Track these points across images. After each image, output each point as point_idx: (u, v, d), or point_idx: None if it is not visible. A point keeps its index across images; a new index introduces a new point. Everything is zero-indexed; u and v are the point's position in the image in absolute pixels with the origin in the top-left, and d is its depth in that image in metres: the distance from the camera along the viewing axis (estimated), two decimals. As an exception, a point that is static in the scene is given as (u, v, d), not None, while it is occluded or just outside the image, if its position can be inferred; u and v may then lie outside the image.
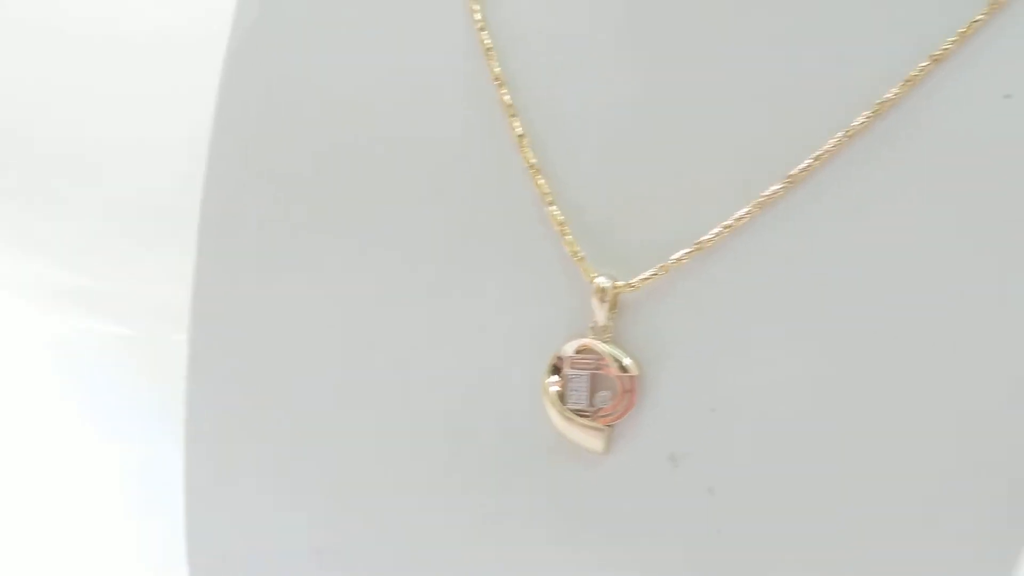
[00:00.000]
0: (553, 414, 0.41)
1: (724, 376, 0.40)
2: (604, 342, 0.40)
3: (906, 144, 0.38)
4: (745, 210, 0.39)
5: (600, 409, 0.41)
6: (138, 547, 0.65)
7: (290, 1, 0.46)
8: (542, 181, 0.41)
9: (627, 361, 0.40)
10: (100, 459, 0.74)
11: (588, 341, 0.41)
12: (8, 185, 0.91)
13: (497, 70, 0.43)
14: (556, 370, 0.41)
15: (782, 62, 0.40)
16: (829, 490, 0.39)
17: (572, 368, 0.41)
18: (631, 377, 0.40)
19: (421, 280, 0.43)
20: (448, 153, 0.43)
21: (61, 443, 0.75)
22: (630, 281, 0.40)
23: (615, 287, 0.40)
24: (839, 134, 0.39)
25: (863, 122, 0.39)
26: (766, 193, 0.39)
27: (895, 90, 0.38)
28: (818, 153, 0.39)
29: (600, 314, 0.40)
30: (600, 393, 0.41)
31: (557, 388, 0.41)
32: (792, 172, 0.39)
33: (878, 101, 0.39)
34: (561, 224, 0.41)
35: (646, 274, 0.40)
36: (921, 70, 0.38)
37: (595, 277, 0.40)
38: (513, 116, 0.42)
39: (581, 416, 0.41)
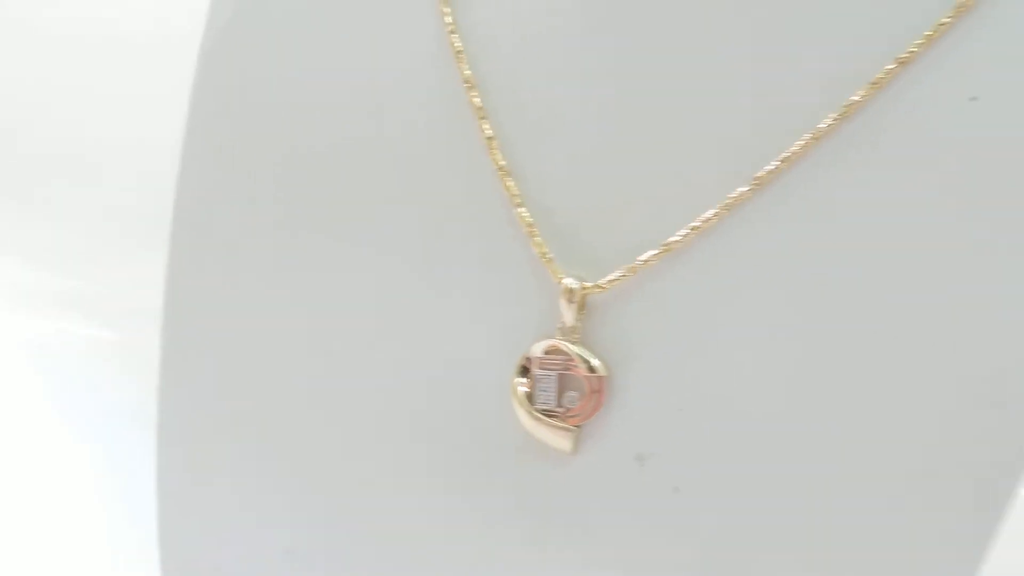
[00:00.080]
0: (521, 414, 0.41)
1: (691, 377, 0.40)
2: (572, 343, 0.41)
3: (872, 146, 0.39)
4: (713, 212, 0.40)
5: (568, 409, 0.41)
6: (112, 548, 0.65)
7: (263, 3, 0.46)
8: (511, 183, 0.42)
9: (595, 362, 0.40)
10: (81, 462, 0.74)
11: (556, 342, 0.41)
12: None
13: (467, 73, 0.43)
14: (524, 371, 0.41)
15: (748, 66, 0.40)
16: (794, 490, 0.39)
17: (540, 369, 0.41)
18: (599, 378, 0.40)
19: (391, 281, 0.43)
20: (418, 155, 0.43)
21: (41, 445, 0.75)
22: (598, 282, 0.40)
23: (583, 288, 0.40)
24: (806, 136, 0.39)
25: (830, 124, 0.39)
26: (733, 195, 0.39)
27: (861, 93, 0.39)
28: (785, 155, 0.39)
29: (568, 315, 0.41)
30: (568, 393, 0.41)
31: (525, 389, 0.41)
32: (759, 174, 0.39)
33: (844, 104, 0.39)
34: (530, 226, 0.41)
35: (614, 275, 0.40)
36: (887, 73, 0.39)
37: (563, 278, 0.41)
38: (483, 119, 0.42)
39: (549, 416, 0.41)
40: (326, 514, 0.45)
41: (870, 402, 0.38)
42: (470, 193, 0.42)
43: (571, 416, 0.41)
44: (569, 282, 0.40)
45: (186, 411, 0.47)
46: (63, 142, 0.91)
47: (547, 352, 0.41)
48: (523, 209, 0.41)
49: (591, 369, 0.40)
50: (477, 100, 0.43)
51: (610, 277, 0.40)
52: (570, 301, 0.40)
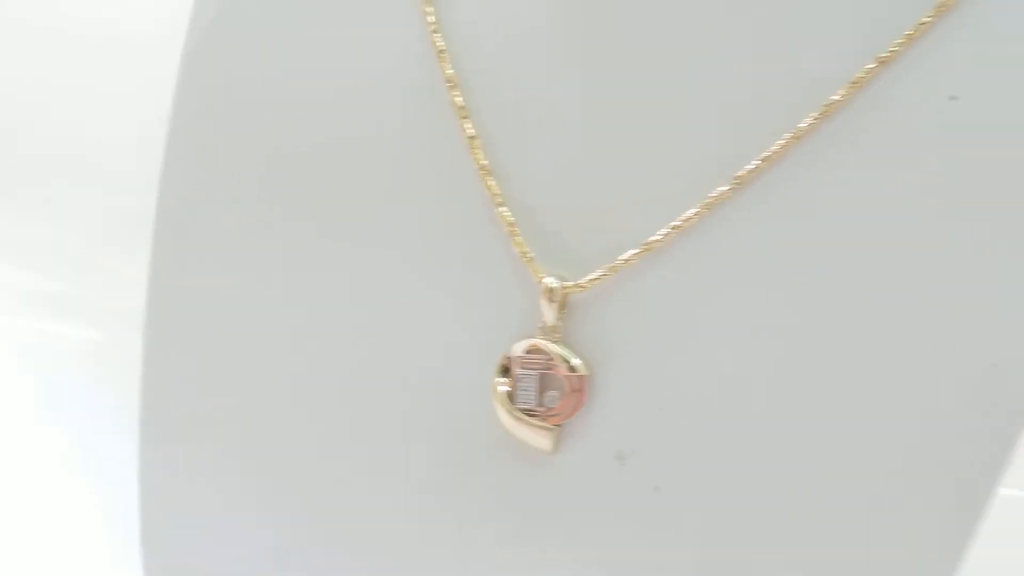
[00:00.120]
0: (502, 414, 0.41)
1: (672, 376, 0.40)
2: (553, 342, 0.41)
3: (853, 146, 0.39)
4: (693, 211, 0.40)
5: (549, 409, 0.41)
6: (96, 547, 0.65)
7: (246, 3, 0.46)
8: (492, 182, 0.42)
9: (576, 361, 0.40)
10: (67, 461, 0.74)
11: (537, 341, 0.41)
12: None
13: (449, 72, 0.43)
14: (505, 370, 0.41)
15: (730, 65, 0.40)
16: (775, 489, 0.39)
17: (521, 368, 0.41)
18: (580, 377, 0.40)
19: (372, 280, 0.43)
20: (400, 154, 0.43)
21: (28, 445, 0.75)
22: (579, 281, 0.40)
23: (564, 287, 0.40)
24: (786, 135, 0.39)
25: (810, 124, 0.39)
26: (714, 194, 0.39)
27: (842, 92, 0.39)
28: (766, 154, 0.39)
29: (549, 314, 0.41)
30: (549, 393, 0.41)
31: (506, 388, 0.41)
32: (740, 173, 0.39)
33: (825, 103, 0.39)
34: (511, 225, 0.41)
35: (595, 274, 0.40)
36: (868, 72, 0.39)
37: (544, 278, 0.41)
38: (465, 118, 0.42)
39: (530, 416, 0.41)
40: (308, 514, 0.45)
41: (851, 401, 0.38)
42: (452, 192, 0.43)
43: (552, 415, 0.41)
44: (550, 281, 0.40)
45: (168, 410, 0.46)
46: (51, 142, 0.91)
47: (528, 351, 0.41)
48: (504, 208, 0.41)
49: (572, 368, 0.40)
50: (459, 99, 0.43)
51: (591, 276, 0.40)
52: (551, 300, 0.40)
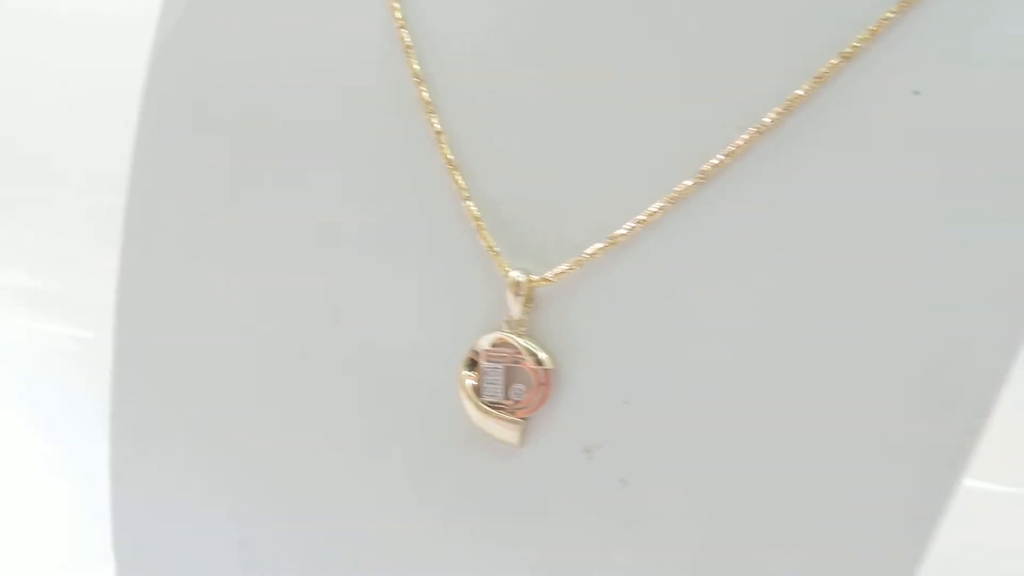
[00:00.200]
0: (469, 407, 0.41)
1: (637, 369, 0.40)
2: (519, 336, 0.41)
3: (816, 140, 0.39)
4: (658, 205, 0.40)
5: (515, 402, 0.41)
6: (71, 542, 0.65)
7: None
8: (459, 177, 0.42)
9: (542, 355, 0.41)
10: (53, 459, 0.74)
11: (503, 334, 0.41)
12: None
13: (416, 67, 0.43)
14: (473, 363, 0.41)
15: (694, 59, 0.40)
16: (738, 482, 0.39)
17: (488, 361, 0.41)
18: (546, 370, 0.41)
19: (340, 274, 0.44)
20: (368, 148, 0.43)
21: (14, 444, 0.76)
22: (545, 275, 0.41)
23: (529, 281, 0.41)
24: (750, 130, 0.39)
25: (774, 119, 0.39)
26: (679, 188, 0.40)
27: (805, 87, 0.39)
28: (730, 149, 0.39)
29: (515, 308, 0.41)
30: (515, 386, 0.41)
31: (473, 382, 0.41)
32: (704, 168, 0.39)
33: (788, 98, 0.39)
34: (477, 219, 0.41)
35: (560, 268, 0.40)
36: (831, 67, 0.39)
37: (510, 271, 0.41)
38: (431, 113, 0.43)
39: (497, 409, 0.41)
40: (277, 507, 0.45)
41: (815, 395, 0.39)
42: (418, 187, 0.43)
43: (519, 408, 0.41)
44: (516, 275, 0.41)
45: (138, 405, 0.47)
46: (34, 142, 0.91)
47: (494, 345, 0.41)
48: (471, 203, 0.42)
49: (538, 362, 0.41)
50: (426, 94, 0.43)
51: (557, 270, 0.40)
52: (517, 294, 0.41)
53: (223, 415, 0.45)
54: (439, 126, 0.42)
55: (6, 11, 0.92)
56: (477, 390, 0.41)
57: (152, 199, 0.46)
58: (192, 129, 0.46)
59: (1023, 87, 0.37)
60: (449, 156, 0.42)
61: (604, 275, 0.40)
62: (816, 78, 0.39)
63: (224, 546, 0.45)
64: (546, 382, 0.41)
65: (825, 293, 0.38)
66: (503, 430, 0.41)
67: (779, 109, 0.39)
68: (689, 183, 0.40)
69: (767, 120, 0.39)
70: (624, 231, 0.40)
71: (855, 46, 0.39)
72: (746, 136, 0.39)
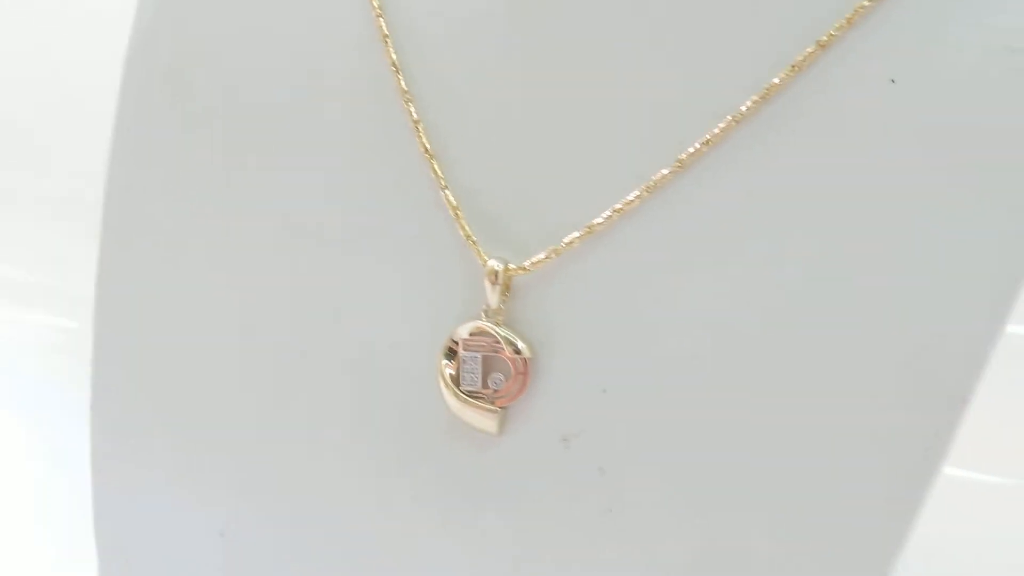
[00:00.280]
0: (448, 396, 0.41)
1: (615, 357, 0.40)
2: (497, 325, 0.41)
3: (792, 128, 0.39)
4: (635, 194, 0.40)
5: (494, 391, 0.41)
6: (53, 533, 0.65)
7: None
8: (436, 166, 0.42)
9: (520, 344, 0.41)
10: (33, 450, 0.74)
11: (482, 324, 0.41)
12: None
13: (393, 56, 0.43)
14: (451, 353, 0.41)
15: (671, 48, 0.40)
16: (717, 470, 0.39)
17: (466, 351, 0.41)
18: (524, 359, 0.41)
19: (318, 263, 0.44)
20: (345, 138, 0.43)
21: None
22: (522, 264, 0.41)
23: (507, 270, 0.41)
24: (727, 119, 0.39)
25: (750, 107, 0.39)
26: (656, 177, 0.40)
27: (782, 75, 0.39)
28: (707, 138, 0.39)
29: (493, 297, 0.41)
30: (494, 375, 0.41)
31: (451, 371, 0.41)
32: (681, 156, 0.39)
33: (765, 86, 0.39)
34: (455, 208, 0.41)
35: (538, 257, 0.40)
36: (807, 55, 0.39)
37: (488, 260, 0.41)
38: (409, 102, 0.42)
39: (475, 398, 0.41)
40: (259, 497, 0.45)
41: (793, 384, 0.39)
42: (396, 177, 0.43)
43: (497, 398, 0.41)
44: (493, 264, 0.41)
45: (118, 397, 0.47)
46: (18, 132, 0.91)
47: (473, 334, 0.41)
48: (448, 192, 0.42)
49: (516, 351, 0.41)
50: (403, 84, 0.43)
51: (534, 259, 0.41)
52: (494, 283, 0.41)
53: (203, 407, 0.45)
54: (416, 115, 0.42)
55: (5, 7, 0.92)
56: (456, 379, 0.41)
57: (130, 190, 0.46)
58: (169, 120, 0.46)
59: (999, 76, 0.37)
60: (426, 145, 0.42)
61: (582, 264, 0.40)
62: (792, 66, 0.39)
63: (206, 536, 0.46)
64: (524, 371, 0.41)
65: (802, 281, 0.39)
66: (482, 419, 0.41)
67: (755, 97, 0.39)
68: (666, 172, 0.40)
69: (744, 108, 0.39)
70: (601, 220, 0.40)
71: (831, 34, 0.39)
72: (723, 124, 0.39)
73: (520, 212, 0.41)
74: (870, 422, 0.38)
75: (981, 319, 0.37)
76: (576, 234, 0.40)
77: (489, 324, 0.41)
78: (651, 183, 0.40)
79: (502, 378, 0.41)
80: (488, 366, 0.41)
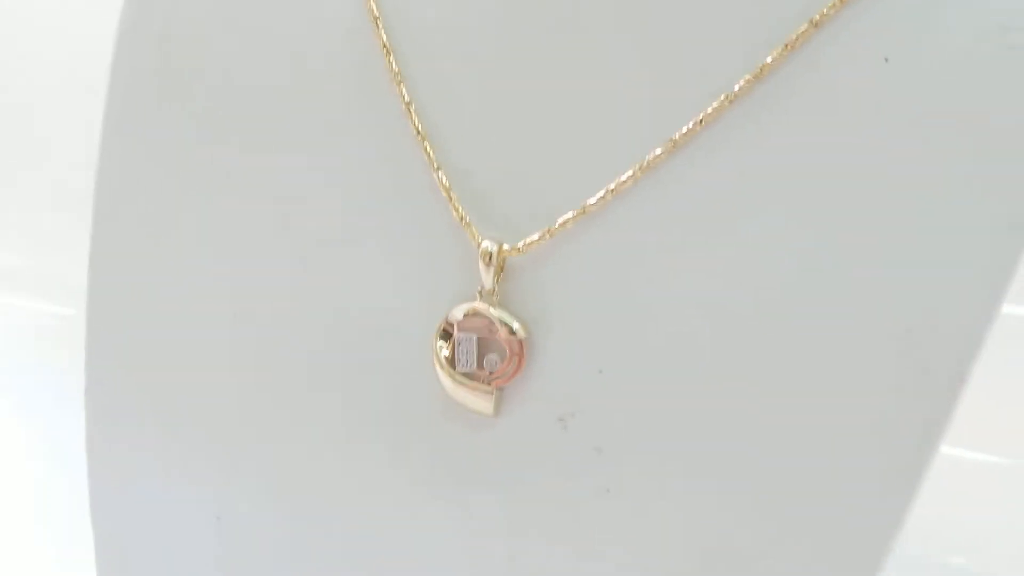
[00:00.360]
0: (443, 377, 0.42)
1: (610, 338, 0.40)
2: (492, 306, 0.41)
3: (785, 107, 0.39)
4: (629, 174, 0.40)
5: (489, 372, 0.41)
6: (49, 519, 0.65)
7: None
8: (429, 147, 0.42)
9: (515, 325, 0.41)
10: (30, 436, 0.74)
11: (476, 305, 0.41)
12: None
13: (384, 37, 0.43)
14: (446, 334, 0.41)
15: (664, 28, 0.40)
16: (714, 449, 0.40)
17: (461, 332, 0.41)
18: (519, 340, 0.41)
19: (312, 246, 0.44)
20: (337, 120, 0.43)
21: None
22: (516, 245, 0.41)
23: (501, 251, 0.41)
24: (720, 98, 0.39)
25: (743, 86, 0.39)
26: (649, 157, 0.40)
27: (775, 54, 0.39)
28: (700, 117, 0.39)
29: (487, 278, 0.41)
30: (489, 356, 0.41)
31: (446, 352, 0.41)
32: (674, 136, 0.39)
33: (758, 66, 0.39)
34: (448, 190, 0.41)
35: (532, 238, 0.40)
36: (800, 34, 0.39)
37: (481, 241, 0.41)
38: (400, 83, 0.42)
39: (471, 379, 0.41)
40: (255, 480, 0.45)
41: (789, 363, 0.39)
42: (389, 158, 0.43)
43: (492, 379, 0.41)
44: (487, 245, 0.41)
45: (111, 379, 0.47)
46: (12, 118, 0.91)
47: (467, 315, 0.41)
48: (441, 173, 0.42)
49: (511, 332, 0.41)
50: (395, 65, 0.43)
51: (528, 240, 0.41)
52: (488, 264, 0.41)
53: (197, 392, 0.45)
54: (408, 96, 0.42)
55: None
56: (451, 361, 0.41)
57: (121, 179, 0.46)
58: (159, 104, 0.46)
59: (993, 54, 0.37)
60: (419, 126, 0.42)
61: (575, 244, 0.40)
62: (785, 45, 0.39)
63: (202, 520, 0.46)
64: (519, 352, 0.41)
65: (796, 261, 0.39)
66: (477, 400, 0.41)
67: (748, 77, 0.39)
68: (659, 151, 0.40)
69: (736, 88, 0.39)
70: (595, 200, 0.40)
71: (824, 13, 0.39)
72: (715, 104, 0.39)
73: (513, 193, 0.41)
74: (867, 402, 0.38)
75: (978, 296, 0.37)
76: (570, 214, 0.40)
77: (484, 305, 0.41)
78: (644, 163, 0.40)
79: (497, 359, 0.41)
80: (483, 347, 0.41)
